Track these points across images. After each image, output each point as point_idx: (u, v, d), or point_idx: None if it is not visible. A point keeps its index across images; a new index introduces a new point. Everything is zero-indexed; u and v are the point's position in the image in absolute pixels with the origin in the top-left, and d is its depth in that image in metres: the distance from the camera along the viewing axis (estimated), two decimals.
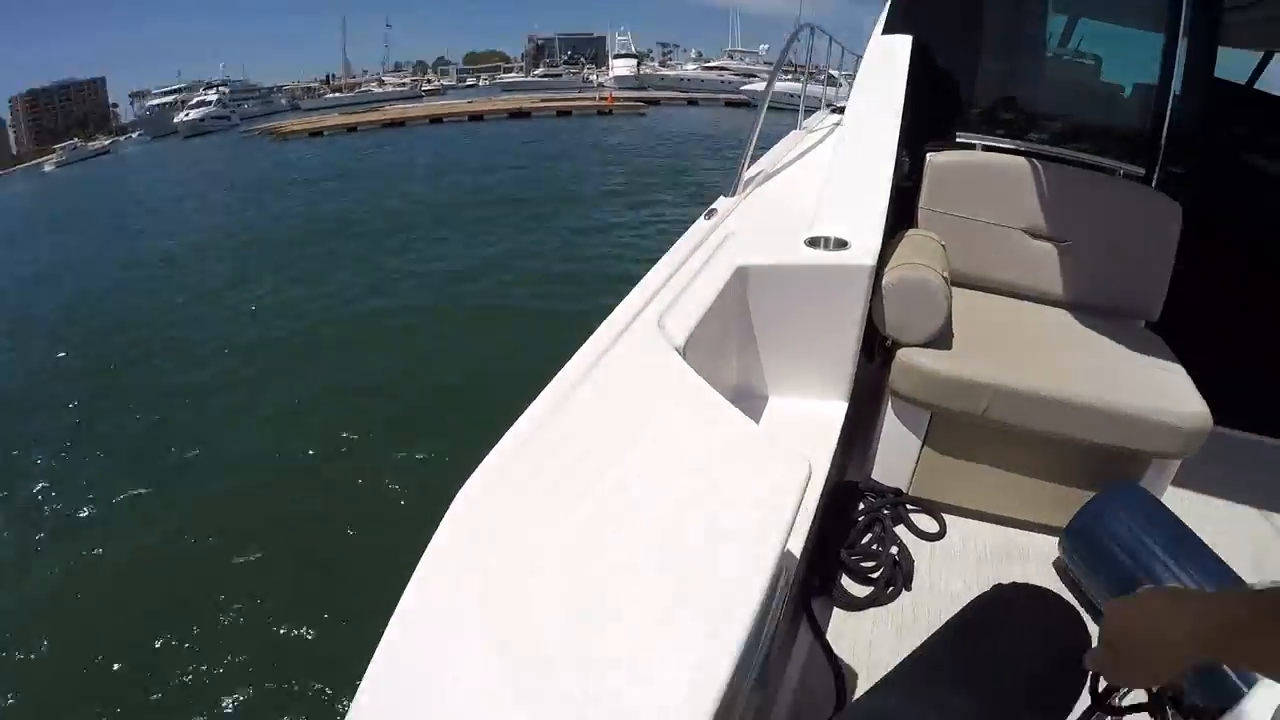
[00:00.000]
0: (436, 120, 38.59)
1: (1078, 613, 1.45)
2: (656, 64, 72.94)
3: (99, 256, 16.44)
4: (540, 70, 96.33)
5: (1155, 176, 2.66)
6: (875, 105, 2.53)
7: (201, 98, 64.61)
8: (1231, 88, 2.45)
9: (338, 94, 75.97)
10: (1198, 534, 1.83)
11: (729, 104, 44.44)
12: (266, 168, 27.77)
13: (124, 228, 20.01)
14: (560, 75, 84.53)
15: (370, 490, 6.07)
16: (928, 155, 2.60)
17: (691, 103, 47.50)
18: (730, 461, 1.02)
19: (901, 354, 2.07)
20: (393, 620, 0.76)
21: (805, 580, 1.91)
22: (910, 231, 2.39)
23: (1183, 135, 2.62)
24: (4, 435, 7.79)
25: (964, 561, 2.08)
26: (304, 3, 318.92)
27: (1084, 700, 1.22)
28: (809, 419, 1.94)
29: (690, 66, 66.48)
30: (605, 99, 44.11)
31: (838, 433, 1.77)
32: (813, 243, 1.90)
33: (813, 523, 1.51)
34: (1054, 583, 2.00)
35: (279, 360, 9.05)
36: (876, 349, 2.24)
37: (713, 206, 2.14)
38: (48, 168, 56.59)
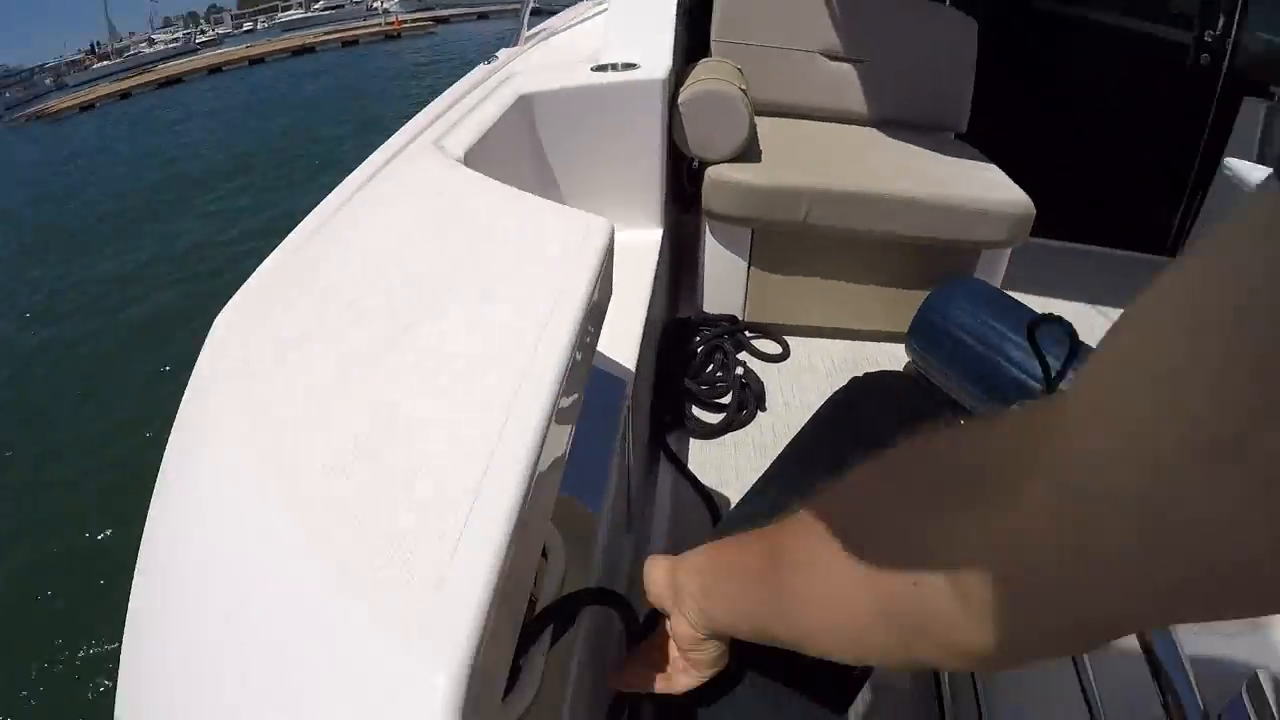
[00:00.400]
0: (216, 70, 35.78)
1: (933, 385, 1.47)
2: None
3: None
4: (320, 3, 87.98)
5: None
6: None
7: None
8: None
9: (106, 62, 66.75)
10: None
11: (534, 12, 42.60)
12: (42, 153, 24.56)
13: None
14: (343, 6, 78.27)
15: None
16: None
17: (482, 16, 46.42)
18: (520, 235, 0.87)
19: (711, 172, 2.00)
20: (164, 460, 0.62)
21: (654, 419, 1.85)
22: (704, 60, 2.29)
23: None
24: None
25: (813, 376, 2.09)
26: None
27: None
28: (623, 251, 1.83)
29: None
30: (392, 22, 42.85)
31: (655, 261, 1.67)
32: (600, 69, 1.76)
33: (644, 364, 1.42)
34: None
35: None
36: (686, 176, 2.16)
37: (495, 55, 1.96)
38: None
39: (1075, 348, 1.56)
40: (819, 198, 1.96)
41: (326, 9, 79.57)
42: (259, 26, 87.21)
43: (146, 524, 0.59)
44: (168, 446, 0.64)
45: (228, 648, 0.46)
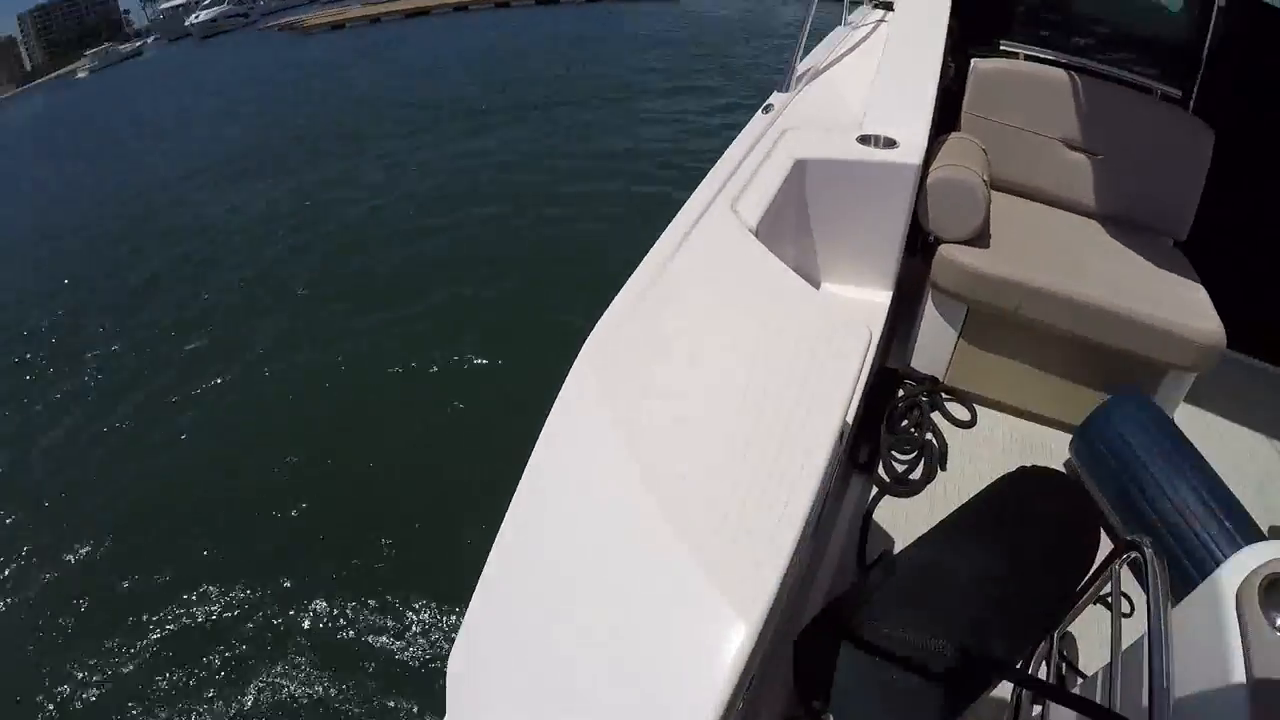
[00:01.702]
0: (461, 8, 36.94)
1: (1086, 493, 1.70)
2: None
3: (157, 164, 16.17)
4: None
5: (1192, 99, 2.70)
6: (923, 8, 2.61)
7: None
8: (1274, 11, 2.43)
9: None
10: (1203, 453, 1.97)
11: None
12: (289, 65, 26.81)
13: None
14: None
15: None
16: (972, 62, 2.67)
17: None
18: (802, 325, 1.22)
19: (943, 250, 2.24)
20: (538, 444, 1.02)
21: (851, 454, 2.17)
22: (954, 135, 2.50)
23: (1222, 58, 2.63)
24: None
25: (990, 448, 2.31)
26: None
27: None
28: (856, 306, 2.14)
29: None
30: None
31: (883, 319, 1.98)
32: (864, 140, 2.04)
33: (859, 402, 1.73)
34: None
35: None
36: (920, 245, 2.40)
37: (769, 101, 2.26)
38: (81, 74, 55.86)
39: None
40: (1032, 293, 2.15)
41: None
42: None
43: (526, 472, 0.99)
44: (543, 432, 1.05)
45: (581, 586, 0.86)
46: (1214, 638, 0.88)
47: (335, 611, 4.35)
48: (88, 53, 65.05)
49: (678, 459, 0.98)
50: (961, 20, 2.67)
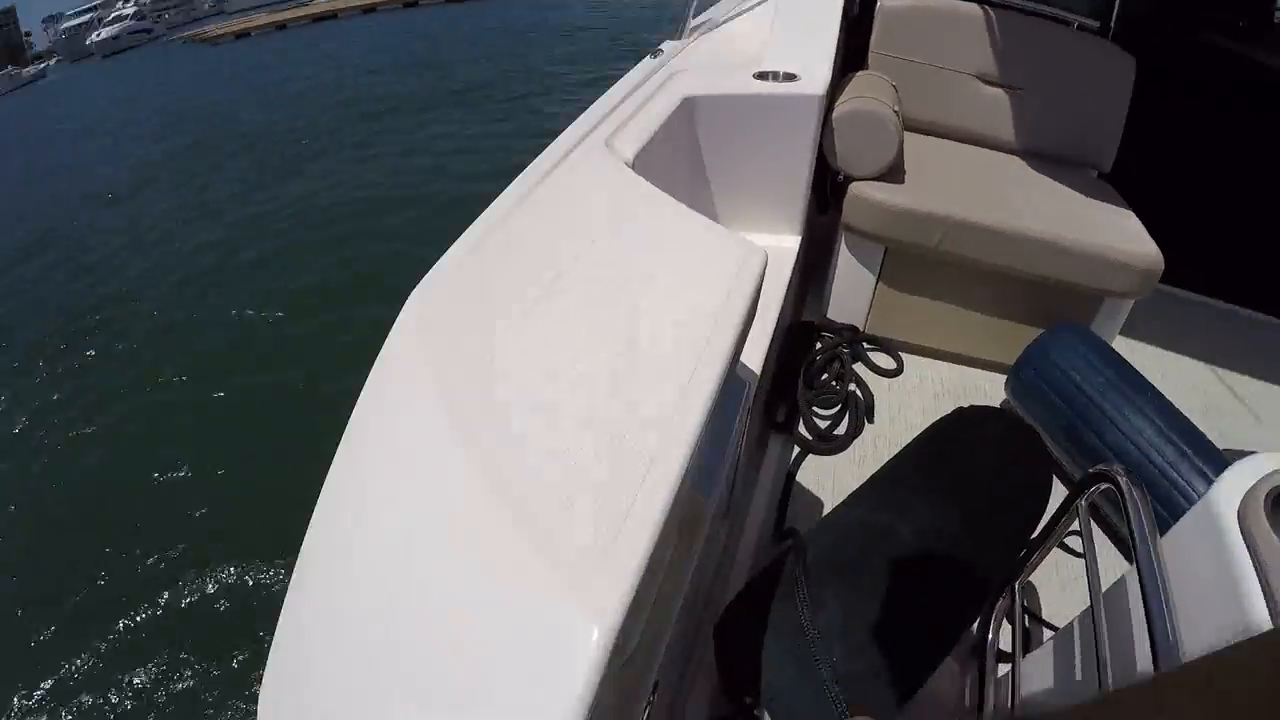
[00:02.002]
0: (370, 10, 36.34)
1: (1036, 433, 1.52)
2: None
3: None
4: None
5: (1111, 29, 2.60)
6: None
7: (119, 12, 59.88)
8: None
9: None
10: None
11: None
12: (198, 78, 26.07)
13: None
14: None
15: None
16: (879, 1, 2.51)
17: None
18: (686, 251, 1.00)
19: (854, 188, 2.06)
20: (354, 414, 0.78)
21: (766, 416, 1.97)
22: (861, 72, 2.34)
23: None
24: None
25: (921, 397, 2.14)
26: None
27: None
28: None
29: None
30: None
31: (791, 266, 1.78)
32: (761, 76, 1.86)
33: (766, 361, 1.53)
34: None
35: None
36: (829, 188, 2.23)
37: (659, 48, 2.08)
38: None
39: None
40: (955, 226, 1.99)
41: None
42: None
43: (336, 456, 0.75)
44: (362, 394, 0.80)
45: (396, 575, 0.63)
46: (1215, 563, 0.78)
47: None
48: None
49: (520, 433, 0.73)
50: None
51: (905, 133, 2.15)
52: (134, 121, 20.33)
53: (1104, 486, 1.00)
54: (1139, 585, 0.82)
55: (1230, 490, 0.81)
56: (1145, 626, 0.78)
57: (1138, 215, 2.14)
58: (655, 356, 0.80)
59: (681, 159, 1.83)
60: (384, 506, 0.70)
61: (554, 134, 1.41)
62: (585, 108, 1.59)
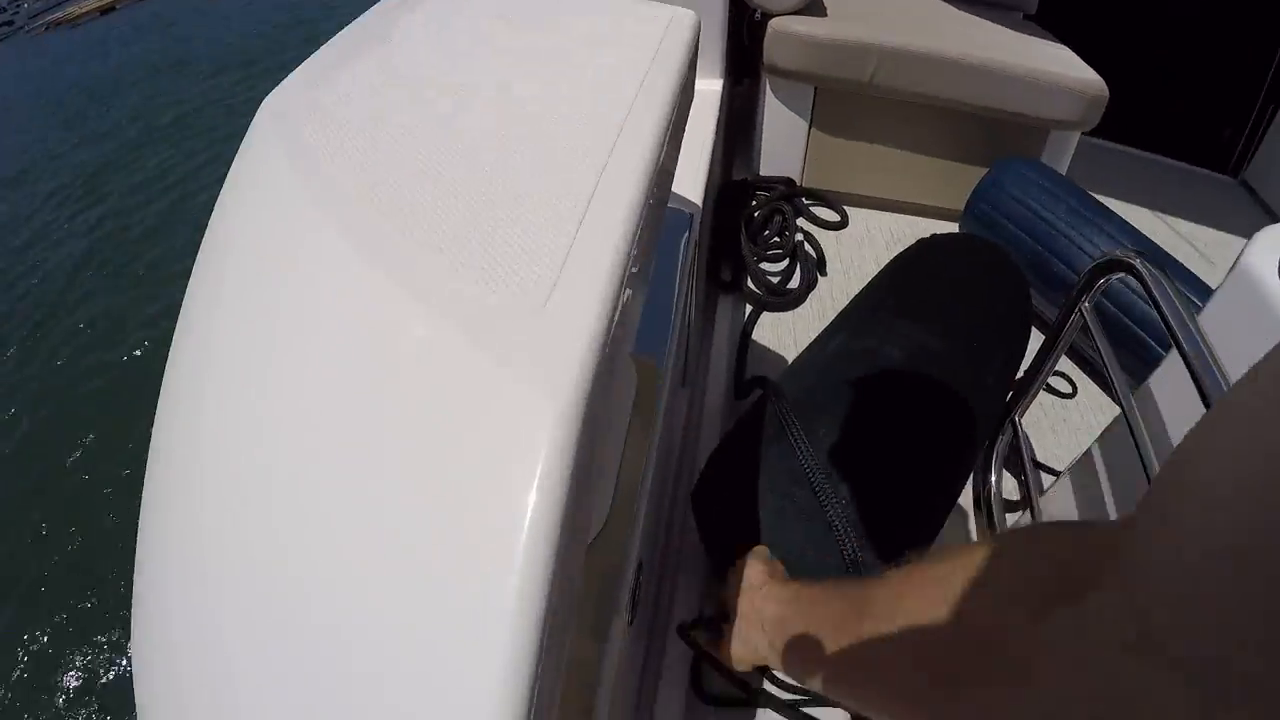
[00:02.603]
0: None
1: (1008, 251, 1.42)
2: None
3: None
4: None
5: None
6: None
7: None
8: None
9: None
10: None
11: None
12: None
13: None
14: None
15: None
16: None
17: None
18: (594, 25, 0.78)
19: (774, 23, 1.89)
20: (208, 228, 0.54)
21: (710, 278, 1.83)
22: None
23: None
24: None
25: (873, 247, 2.03)
26: None
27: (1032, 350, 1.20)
28: None
29: None
30: None
31: (715, 116, 1.62)
32: None
33: (703, 219, 1.39)
34: None
35: None
36: (745, 28, 2.07)
37: None
38: None
39: None
40: (888, 56, 1.86)
41: None
42: None
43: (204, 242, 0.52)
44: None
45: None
46: (1263, 329, 0.74)
47: None
48: None
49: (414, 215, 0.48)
50: None
51: None
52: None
53: (1116, 277, 0.91)
54: (1167, 391, 0.77)
55: (1263, 251, 0.76)
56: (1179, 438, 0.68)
57: None
58: (571, 128, 0.59)
59: None
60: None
61: None
62: None
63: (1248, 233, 0.83)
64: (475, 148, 0.57)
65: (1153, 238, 1.78)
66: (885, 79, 1.88)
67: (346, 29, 0.79)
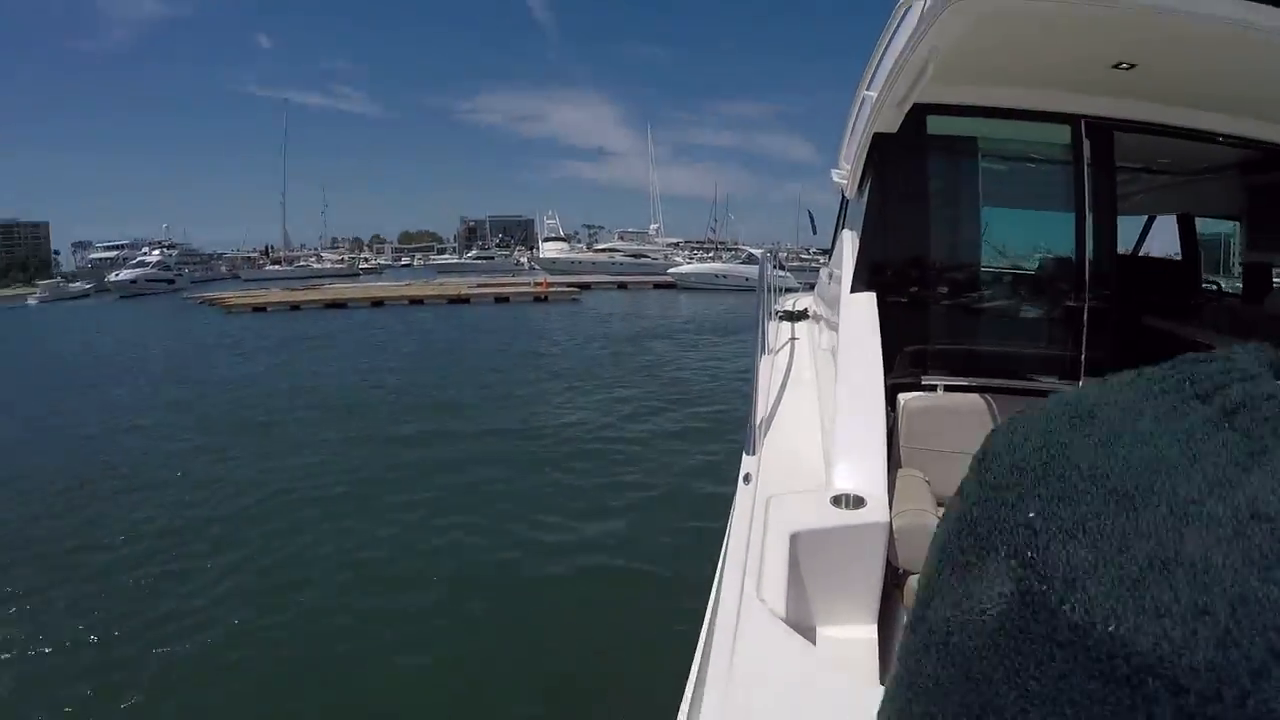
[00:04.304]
0: (378, 304, 36.29)
1: None
2: (584, 246, 70.61)
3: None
4: (473, 252, 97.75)
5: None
6: (859, 361, 2.79)
7: (142, 257, 63.86)
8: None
9: (277, 266, 75.82)
10: None
11: (656, 286, 46.35)
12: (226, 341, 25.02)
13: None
14: (493, 257, 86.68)
15: None
16: (900, 399, 3.00)
17: (621, 286, 47.78)
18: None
19: (912, 581, 2.26)
20: None
21: None
22: (901, 473, 2.69)
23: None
24: None
25: None
26: (242, 163, 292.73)
27: None
28: (847, 645, 2.15)
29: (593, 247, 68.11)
30: (540, 284, 42.68)
31: (871, 653, 2.03)
32: (835, 501, 2.17)
33: None
34: None
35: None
36: (888, 576, 2.44)
37: (746, 472, 2.47)
38: (31, 301, 57.36)
39: None
40: None
41: (478, 258, 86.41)
42: (415, 263, 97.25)
43: None
44: None
45: None
46: None
47: None
48: (41, 282, 68.00)
49: None
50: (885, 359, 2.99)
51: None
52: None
53: None
54: None
55: None
56: None
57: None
58: None
59: (797, 579, 2.11)
60: None
61: None
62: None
63: None
64: None
65: None
66: None
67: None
